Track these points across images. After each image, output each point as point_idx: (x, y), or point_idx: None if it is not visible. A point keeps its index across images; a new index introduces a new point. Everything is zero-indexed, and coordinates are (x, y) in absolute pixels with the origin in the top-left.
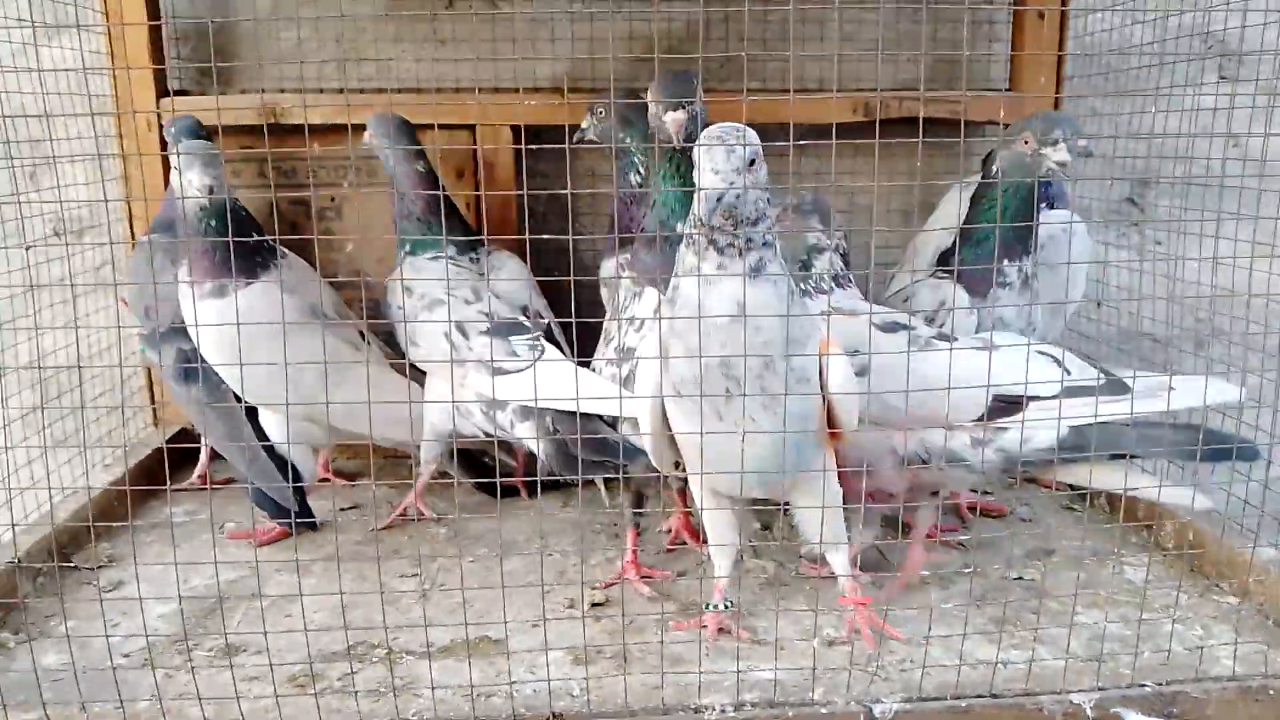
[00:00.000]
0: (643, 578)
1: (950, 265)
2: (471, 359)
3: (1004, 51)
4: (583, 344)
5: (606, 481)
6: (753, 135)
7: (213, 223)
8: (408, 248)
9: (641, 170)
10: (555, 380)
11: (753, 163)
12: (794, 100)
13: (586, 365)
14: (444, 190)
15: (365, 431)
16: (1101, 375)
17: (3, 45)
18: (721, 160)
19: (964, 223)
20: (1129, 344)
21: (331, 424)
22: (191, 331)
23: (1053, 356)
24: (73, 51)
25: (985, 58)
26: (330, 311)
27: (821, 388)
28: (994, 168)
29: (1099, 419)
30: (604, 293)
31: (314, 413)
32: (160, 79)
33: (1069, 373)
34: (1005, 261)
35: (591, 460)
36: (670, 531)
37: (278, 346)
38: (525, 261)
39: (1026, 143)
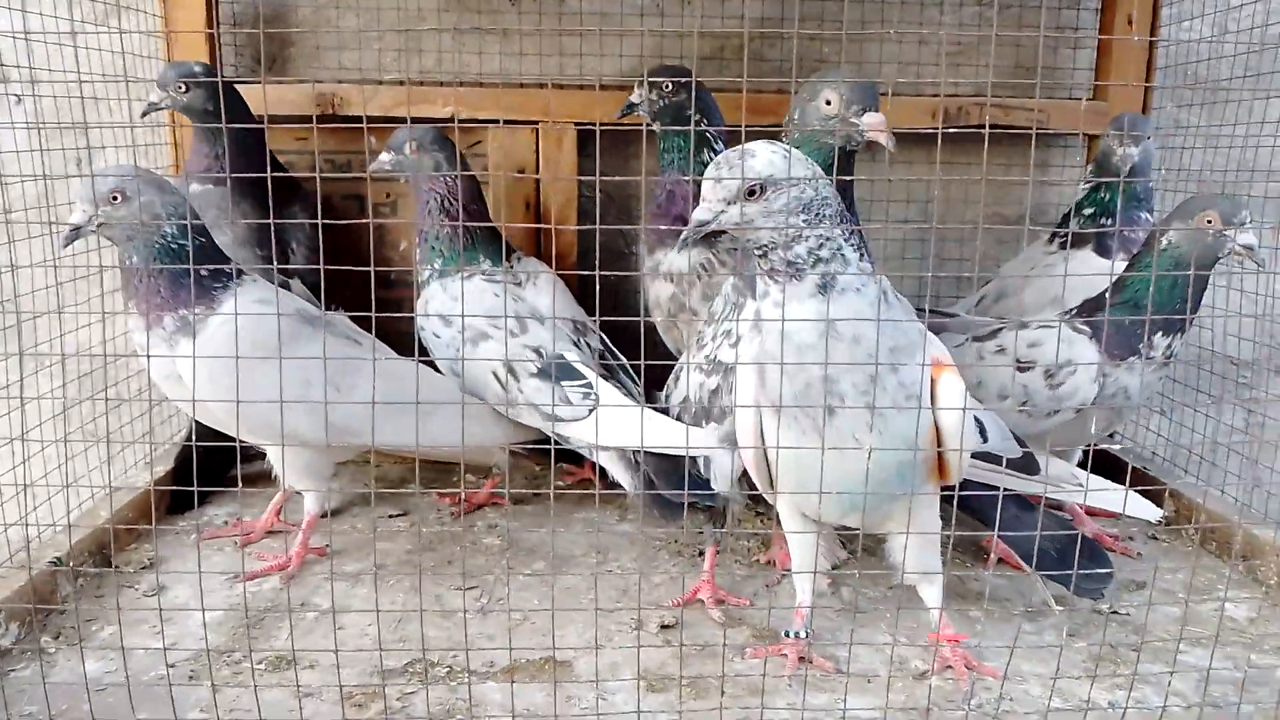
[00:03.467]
0: (717, 601)
1: (1091, 317)
2: (523, 402)
3: (1089, 59)
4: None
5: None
6: (760, 163)
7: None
8: (437, 265)
9: (717, 149)
10: (618, 426)
11: (754, 192)
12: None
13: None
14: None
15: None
16: (1019, 449)
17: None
18: (708, 189)
19: (1122, 278)
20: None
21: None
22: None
23: (978, 420)
24: (125, 36)
25: (1070, 65)
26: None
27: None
28: (1164, 239)
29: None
30: (660, 287)
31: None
32: (216, 66)
33: (985, 440)
34: (1159, 334)
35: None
36: (772, 563)
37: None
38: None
39: (1210, 221)
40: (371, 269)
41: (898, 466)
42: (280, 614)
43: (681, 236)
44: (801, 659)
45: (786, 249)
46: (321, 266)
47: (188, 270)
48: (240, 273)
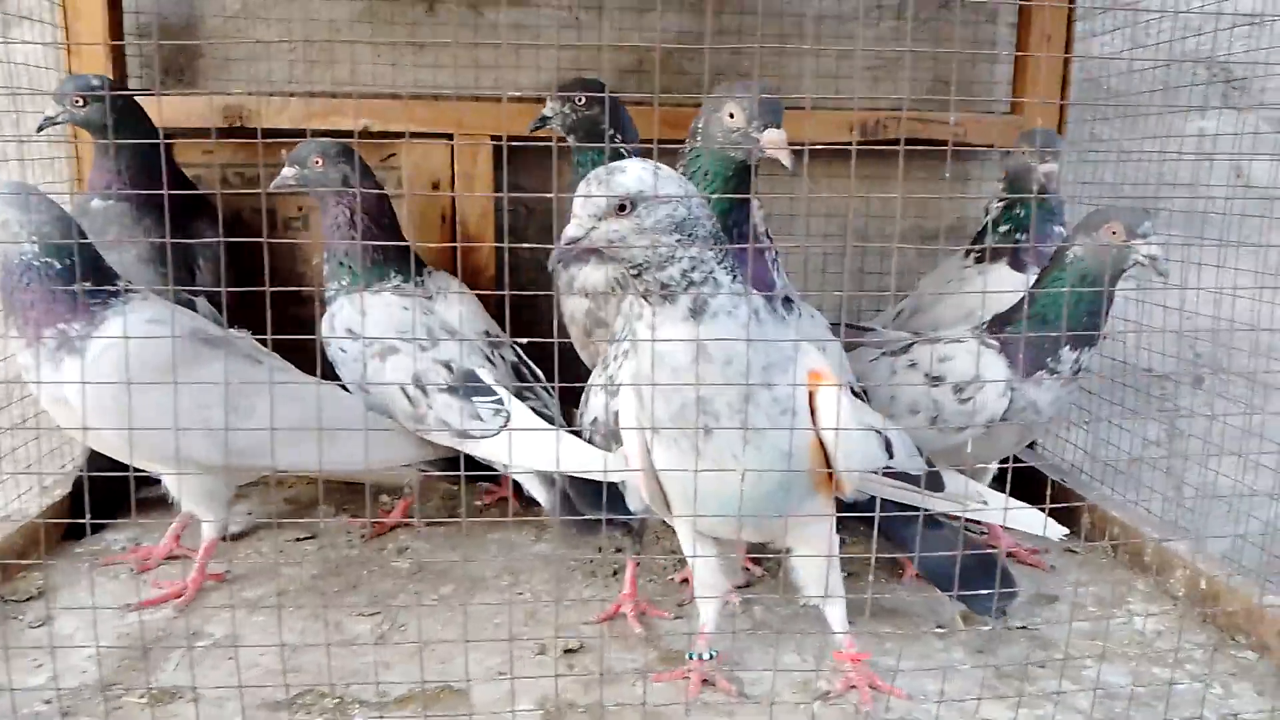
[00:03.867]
0: (639, 614)
1: (1001, 332)
2: (433, 419)
3: (1006, 73)
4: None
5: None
6: (629, 179)
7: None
8: (345, 281)
9: None
10: (529, 446)
11: (624, 208)
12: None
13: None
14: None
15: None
16: (925, 467)
17: None
18: (578, 205)
19: (1030, 293)
20: (1128, 378)
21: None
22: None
23: (885, 437)
24: (25, 47)
25: (989, 80)
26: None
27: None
28: (1069, 253)
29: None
30: (574, 302)
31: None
32: (120, 78)
33: (892, 456)
34: (1067, 348)
35: (594, 517)
36: (687, 582)
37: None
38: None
39: (1114, 233)
40: (268, 288)
41: (780, 481)
42: (170, 645)
43: (552, 255)
44: (705, 681)
45: (660, 269)
46: (223, 287)
47: (61, 288)
48: (127, 290)
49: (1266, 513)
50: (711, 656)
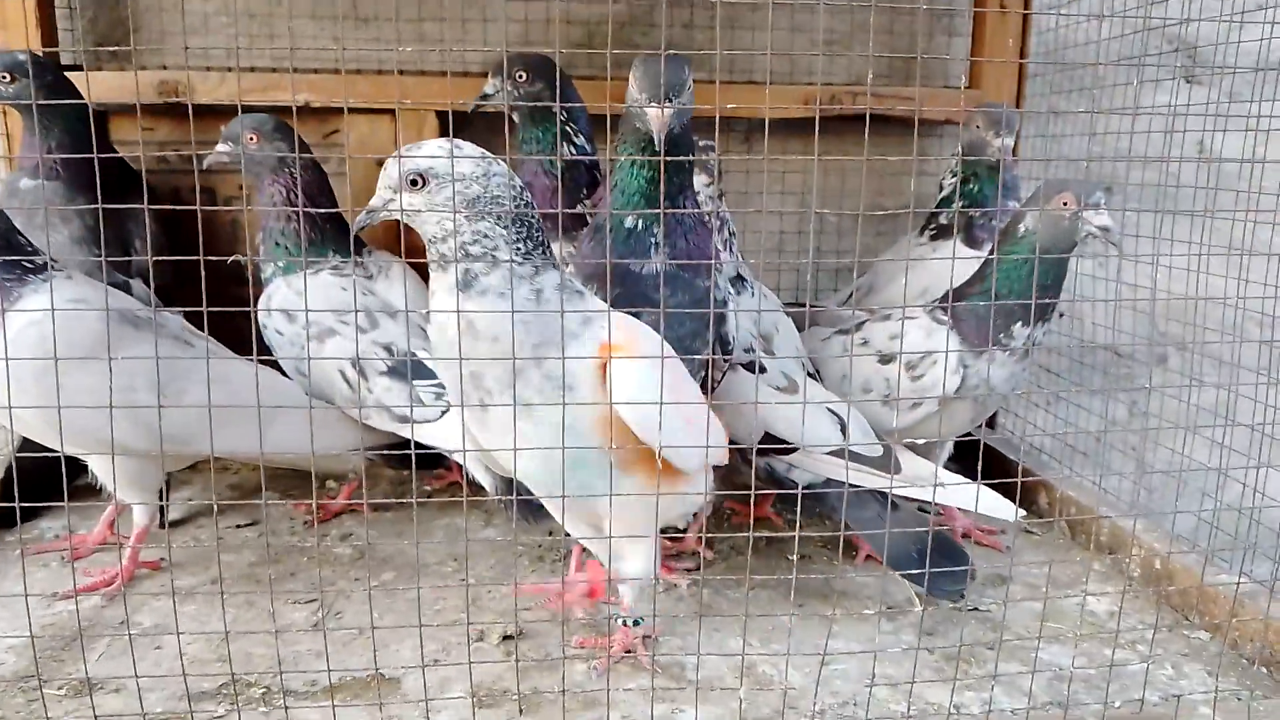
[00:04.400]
0: (589, 594)
1: (953, 308)
2: (373, 403)
3: (964, 48)
4: None
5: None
6: (423, 155)
7: None
8: (281, 262)
9: (577, 144)
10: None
11: (416, 182)
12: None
13: None
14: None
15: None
16: (879, 448)
17: None
18: (380, 178)
19: (982, 267)
20: (1089, 357)
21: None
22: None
23: (839, 417)
24: None
25: (945, 54)
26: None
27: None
28: (1021, 226)
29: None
30: None
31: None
32: (51, 53)
33: (846, 436)
34: (1019, 324)
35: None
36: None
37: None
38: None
39: (1066, 204)
40: (203, 260)
41: (574, 459)
42: (97, 634)
43: (354, 222)
44: (627, 651)
45: (443, 242)
46: (148, 258)
47: None
48: (48, 267)
49: (1227, 493)
50: (637, 623)
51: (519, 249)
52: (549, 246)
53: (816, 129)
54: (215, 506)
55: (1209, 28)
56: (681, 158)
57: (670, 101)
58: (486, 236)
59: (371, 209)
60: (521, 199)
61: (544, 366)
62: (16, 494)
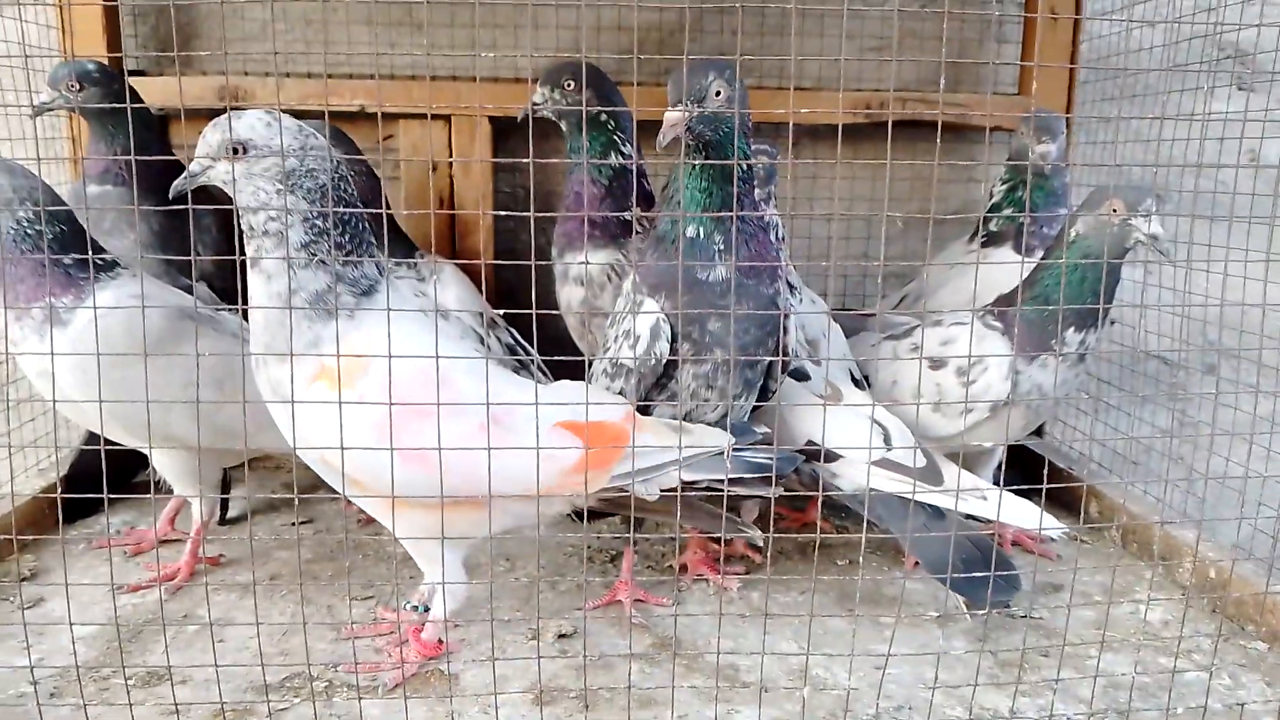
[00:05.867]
0: (636, 601)
1: (1004, 314)
2: None
3: (1014, 54)
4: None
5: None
6: (242, 126)
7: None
8: None
9: (625, 151)
10: None
11: (237, 151)
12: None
13: None
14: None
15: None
16: (924, 459)
17: None
18: (199, 146)
19: (1034, 273)
20: (1140, 365)
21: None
22: (42, 375)
23: (883, 427)
24: (21, 24)
25: (995, 60)
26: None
27: None
28: (1072, 232)
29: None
30: (570, 291)
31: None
32: (116, 60)
33: (889, 447)
34: (1071, 330)
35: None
36: (684, 569)
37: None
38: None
39: (1115, 210)
40: (239, 258)
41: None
42: (160, 627)
43: (173, 186)
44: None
45: (254, 214)
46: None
47: (52, 258)
48: (114, 265)
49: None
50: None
51: (313, 230)
52: (366, 257)
53: (890, 135)
54: (297, 500)
55: (1267, 34)
56: (723, 162)
57: (688, 106)
58: (288, 215)
59: (190, 173)
60: (337, 180)
61: (266, 368)
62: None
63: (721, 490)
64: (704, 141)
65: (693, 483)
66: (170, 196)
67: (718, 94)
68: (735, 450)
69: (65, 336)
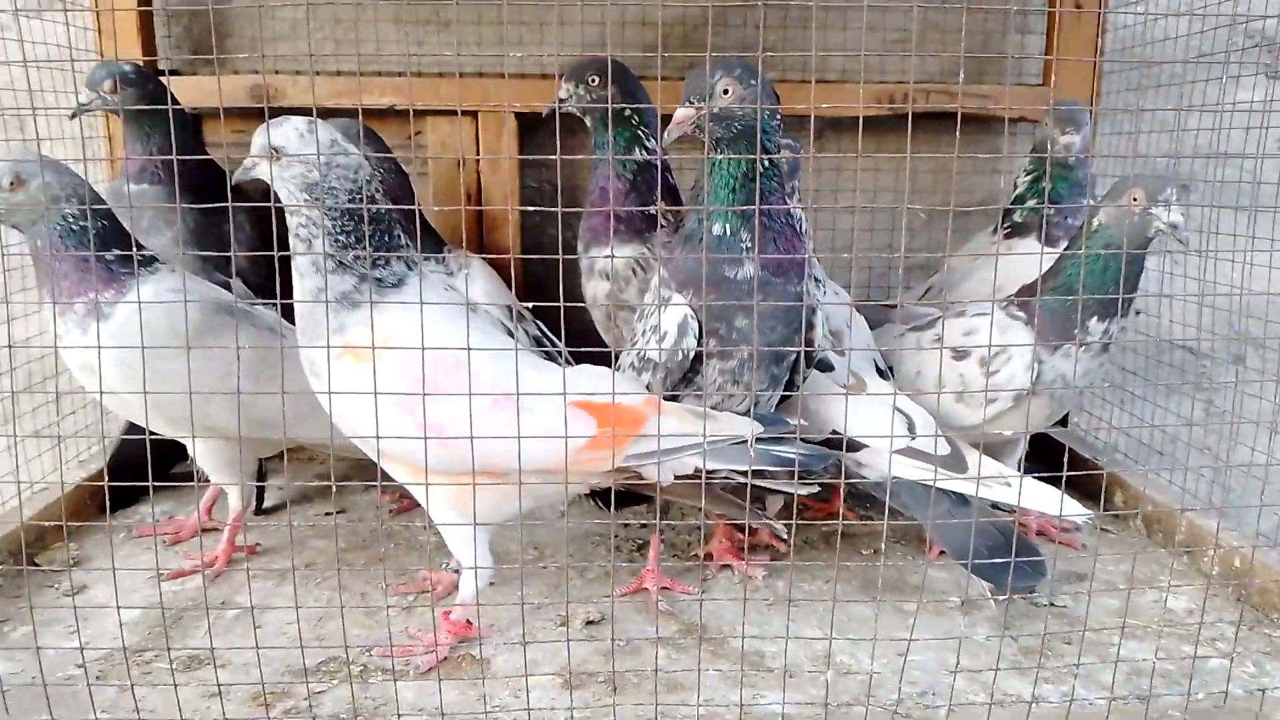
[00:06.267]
0: (663, 589)
1: (1027, 303)
2: None
3: (1038, 45)
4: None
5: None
6: (277, 133)
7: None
8: None
9: (649, 146)
10: None
11: (274, 155)
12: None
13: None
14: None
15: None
16: (948, 447)
17: None
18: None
19: (1057, 263)
20: (1166, 355)
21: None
22: (85, 368)
23: (907, 416)
24: (62, 27)
25: (1019, 51)
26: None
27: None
28: (1095, 221)
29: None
30: (596, 285)
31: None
32: (151, 59)
33: (914, 435)
34: (1094, 319)
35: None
36: (710, 557)
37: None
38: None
39: (1135, 200)
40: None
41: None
42: (199, 613)
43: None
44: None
45: (292, 215)
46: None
47: (95, 254)
48: (153, 260)
49: None
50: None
51: (338, 241)
52: (394, 259)
53: (909, 127)
54: (336, 487)
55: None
56: (740, 157)
57: (695, 105)
58: (313, 223)
59: (244, 167)
60: (361, 195)
61: (305, 354)
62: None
63: (746, 481)
64: (717, 139)
65: (713, 471)
66: (231, 185)
67: (726, 92)
68: (761, 442)
69: (107, 329)
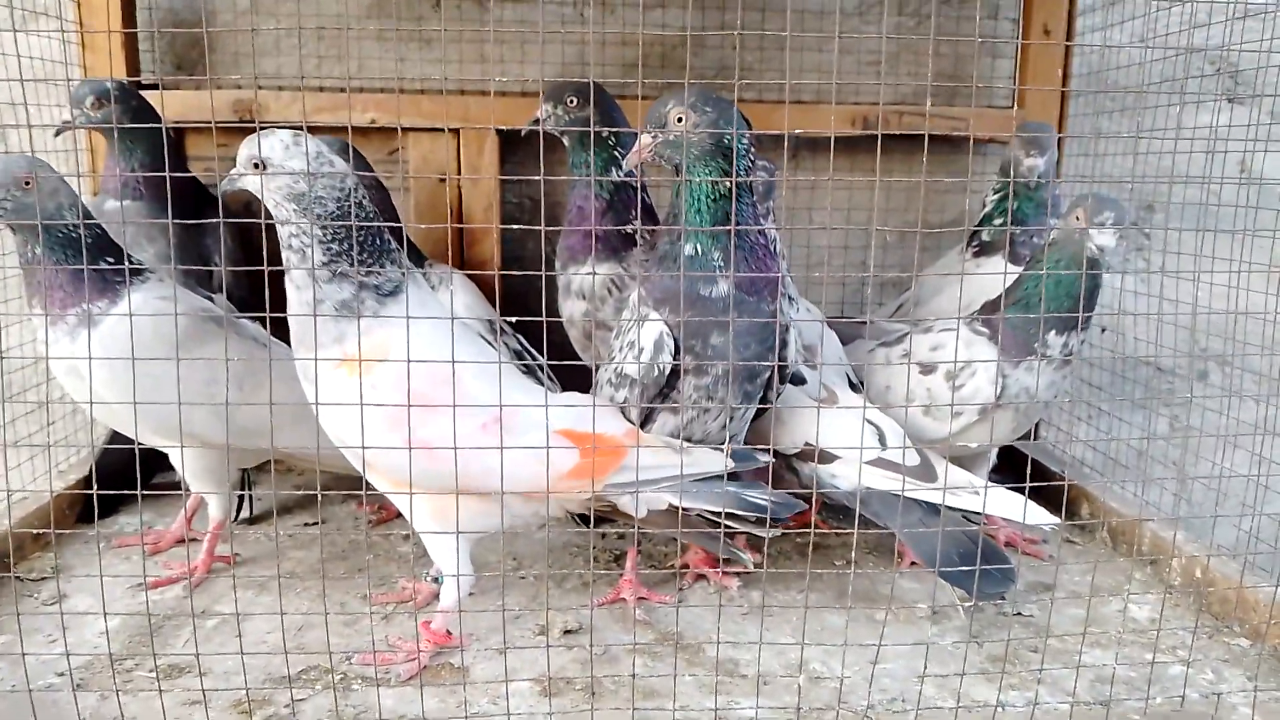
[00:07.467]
0: (639, 599)
1: (990, 319)
2: None
3: (1008, 68)
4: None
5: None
6: (264, 145)
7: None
8: None
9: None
10: None
11: (260, 167)
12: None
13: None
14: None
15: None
16: (918, 458)
17: None
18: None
19: (1018, 280)
20: (1132, 372)
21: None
22: (71, 374)
23: (878, 428)
24: (44, 40)
25: (989, 75)
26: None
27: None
28: (1051, 238)
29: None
30: (572, 304)
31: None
32: (133, 73)
33: (884, 446)
34: (1053, 333)
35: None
36: (686, 567)
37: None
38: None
39: (1078, 218)
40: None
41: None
42: (180, 621)
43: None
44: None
45: (282, 225)
46: (220, 266)
47: (90, 263)
48: (143, 270)
49: (1267, 504)
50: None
51: (326, 249)
52: (387, 262)
53: (879, 148)
54: (319, 496)
55: (1250, 49)
56: (704, 178)
57: (651, 133)
58: (303, 234)
59: (230, 177)
60: (349, 203)
61: (301, 364)
62: (96, 486)
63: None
64: (675, 164)
65: (688, 509)
66: (219, 194)
67: (679, 120)
68: (734, 490)
69: (96, 336)
